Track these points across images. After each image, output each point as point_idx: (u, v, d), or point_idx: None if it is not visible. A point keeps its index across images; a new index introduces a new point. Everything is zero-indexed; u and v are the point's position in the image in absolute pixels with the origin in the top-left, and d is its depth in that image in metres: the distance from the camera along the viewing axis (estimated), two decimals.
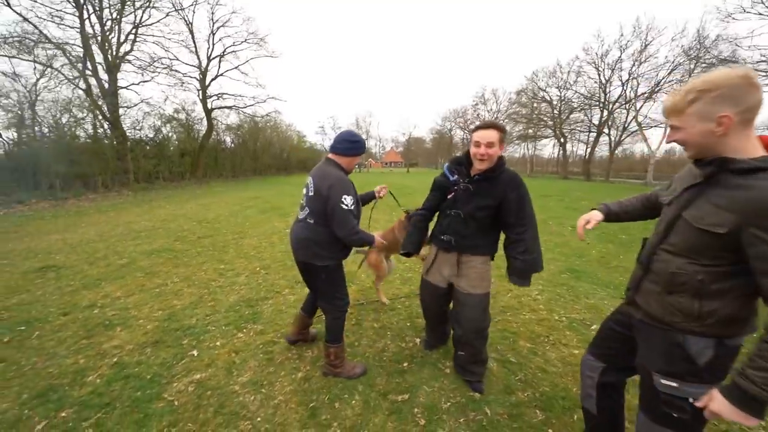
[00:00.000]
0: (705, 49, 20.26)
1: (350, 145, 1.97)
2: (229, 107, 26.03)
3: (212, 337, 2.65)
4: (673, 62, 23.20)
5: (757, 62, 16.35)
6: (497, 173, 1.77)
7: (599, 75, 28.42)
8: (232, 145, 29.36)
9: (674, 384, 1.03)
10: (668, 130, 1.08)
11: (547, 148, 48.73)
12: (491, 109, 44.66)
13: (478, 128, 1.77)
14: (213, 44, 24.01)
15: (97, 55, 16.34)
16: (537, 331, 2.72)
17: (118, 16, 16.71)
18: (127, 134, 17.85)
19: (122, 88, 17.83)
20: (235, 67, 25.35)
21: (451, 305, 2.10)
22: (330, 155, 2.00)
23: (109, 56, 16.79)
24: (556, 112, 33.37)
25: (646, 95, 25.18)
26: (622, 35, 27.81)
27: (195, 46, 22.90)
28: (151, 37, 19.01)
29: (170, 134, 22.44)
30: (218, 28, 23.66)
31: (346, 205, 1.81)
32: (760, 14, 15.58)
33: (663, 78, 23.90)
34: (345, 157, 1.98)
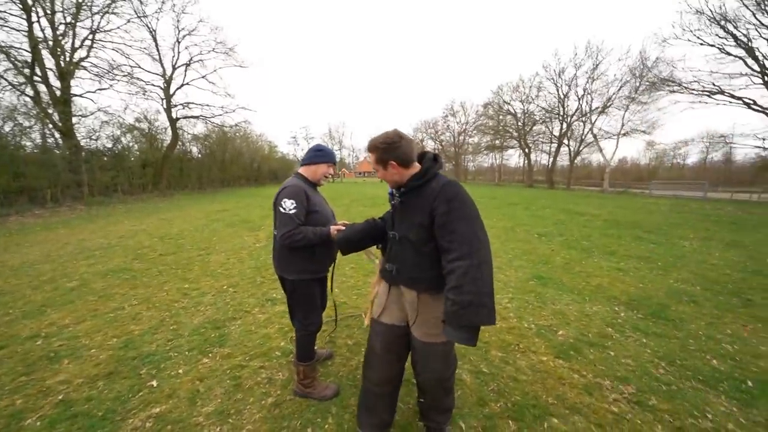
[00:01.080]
0: (647, 68, 22.32)
1: (313, 153, 2.02)
2: (196, 117, 25.04)
3: (174, 364, 2.48)
4: (621, 80, 25.36)
5: (690, 82, 18.24)
6: (422, 182, 1.43)
7: (558, 90, 30.46)
8: (199, 155, 28.20)
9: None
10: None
11: (513, 158, 51.09)
12: (460, 121, 46.25)
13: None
14: (178, 53, 23.14)
15: (47, 60, 15.20)
16: (507, 339, 2.79)
17: (73, 21, 15.72)
18: (82, 144, 16.65)
19: (76, 95, 16.65)
20: (202, 77, 24.53)
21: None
22: (300, 169, 2.07)
23: (62, 62, 15.68)
24: (520, 124, 35.14)
25: (599, 109, 27.24)
26: (576, 54, 30.07)
27: (159, 54, 21.96)
28: (110, 44, 17.99)
29: (131, 144, 21.22)
30: (184, 37, 22.89)
31: (284, 209, 1.79)
32: (689, 41, 17.48)
33: (613, 94, 26.04)
34: (309, 166, 2.01)
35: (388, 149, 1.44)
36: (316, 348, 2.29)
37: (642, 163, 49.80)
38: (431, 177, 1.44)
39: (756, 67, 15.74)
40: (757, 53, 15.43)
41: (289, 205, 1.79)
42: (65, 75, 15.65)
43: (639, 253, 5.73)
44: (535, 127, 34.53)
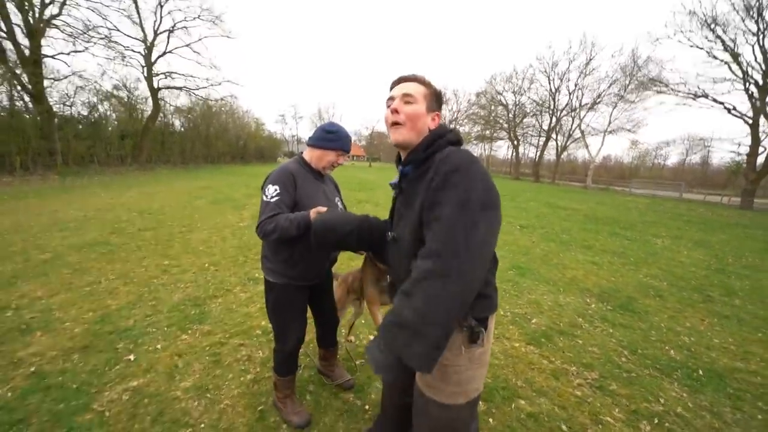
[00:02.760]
0: (638, 67, 22.62)
1: (322, 134, 1.61)
2: (179, 88, 23.92)
3: (152, 339, 2.47)
4: (612, 77, 25.64)
5: (677, 83, 18.65)
6: (426, 153, 1.00)
7: (550, 83, 30.59)
8: (182, 128, 27.14)
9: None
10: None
11: (502, 150, 51.41)
12: (452, 109, 45.98)
13: (393, 83, 1.11)
14: (161, 17, 21.81)
15: (14, 15, 14.11)
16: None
17: None
18: (55, 110, 15.73)
19: (48, 56, 15.58)
20: (187, 45, 23.34)
21: None
22: (305, 150, 1.71)
23: (31, 18, 14.56)
24: (511, 115, 35.28)
25: (589, 105, 27.58)
26: (570, 48, 30.23)
27: (140, 18, 20.63)
28: (86, 1, 16.82)
29: (108, 113, 20.20)
30: (167, 0, 21.59)
31: (266, 196, 1.51)
32: (680, 42, 17.76)
33: (603, 90, 26.34)
34: (315, 149, 1.63)
35: (442, 101, 1.12)
36: (339, 369, 2.10)
37: (625, 162, 51.26)
38: (438, 148, 0.99)
39: (739, 73, 16.22)
40: (741, 59, 15.88)
41: (271, 191, 1.50)
42: (35, 33, 14.55)
43: (614, 248, 5.97)
44: (525, 120, 34.77)
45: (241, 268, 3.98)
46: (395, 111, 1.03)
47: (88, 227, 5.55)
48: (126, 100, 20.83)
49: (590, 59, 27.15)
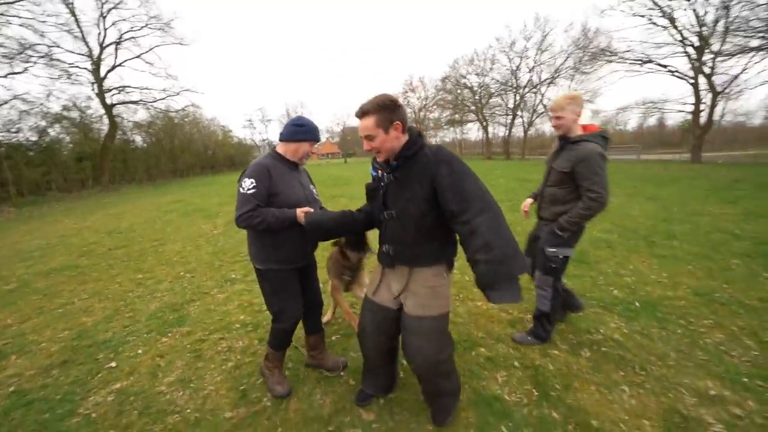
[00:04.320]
0: (589, 40, 23.54)
1: (294, 129, 1.74)
2: (135, 102, 22.93)
3: (132, 347, 2.54)
4: (567, 51, 26.56)
5: (625, 51, 19.61)
6: (411, 152, 1.36)
7: (510, 62, 31.25)
8: (144, 144, 26.05)
9: (553, 250, 1.92)
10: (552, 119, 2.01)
11: (473, 132, 52.18)
12: (420, 96, 46.23)
13: (357, 117, 1.39)
14: (105, 29, 20.71)
15: None
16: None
17: None
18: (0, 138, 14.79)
19: None
20: (137, 56, 22.34)
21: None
22: (277, 146, 1.82)
23: None
24: (477, 97, 35.88)
25: (549, 80, 28.51)
26: (525, 26, 30.92)
27: (81, 32, 19.51)
28: (17, 19, 15.74)
29: (61, 136, 19.12)
30: (109, 11, 20.44)
31: (243, 188, 1.62)
32: (623, 12, 18.65)
33: (560, 65, 27.27)
34: (290, 143, 1.76)
35: (393, 109, 1.33)
36: (329, 355, 2.19)
37: None
38: (421, 145, 1.37)
39: (678, 37, 17.24)
40: (678, 24, 16.86)
41: (248, 184, 1.62)
42: None
43: None
44: (491, 100, 35.40)
45: (218, 272, 4.04)
46: (368, 148, 1.40)
47: (53, 254, 5.40)
48: (79, 120, 19.77)
49: (545, 35, 28.01)
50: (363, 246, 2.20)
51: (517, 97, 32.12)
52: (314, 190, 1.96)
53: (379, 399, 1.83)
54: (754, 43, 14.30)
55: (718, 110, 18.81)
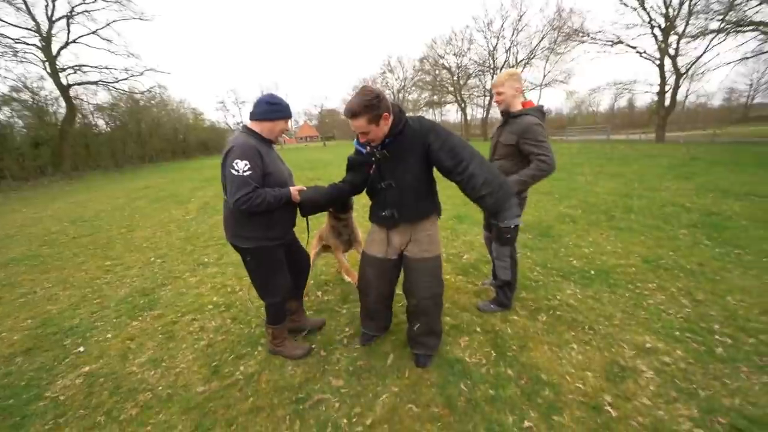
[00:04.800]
0: (563, 20, 23.73)
1: (268, 107, 1.71)
2: (94, 83, 21.31)
3: (101, 332, 2.51)
4: (542, 31, 26.70)
5: (597, 32, 19.98)
6: (398, 128, 1.56)
7: (487, 42, 31.15)
8: (108, 128, 24.50)
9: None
10: (494, 96, 2.15)
11: (451, 114, 52.27)
12: (398, 77, 45.57)
13: (348, 118, 1.55)
14: (53, 1, 18.90)
15: None
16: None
17: None
18: None
19: None
20: (93, 32, 20.58)
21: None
22: (249, 123, 1.77)
23: None
24: (455, 78, 35.72)
25: (525, 61, 28.68)
26: (502, 5, 30.72)
27: (26, 3, 17.73)
28: None
29: (12, 120, 17.66)
30: None
31: (237, 170, 1.57)
32: None
33: (536, 45, 27.44)
34: (264, 122, 1.73)
35: (380, 104, 1.47)
36: (309, 316, 2.38)
37: (565, 113, 54.60)
38: (405, 120, 1.58)
39: (646, 18, 17.67)
40: (646, 4, 17.26)
41: (242, 166, 1.57)
42: None
43: (544, 189, 6.61)
44: (469, 81, 35.37)
45: (190, 256, 3.98)
46: (364, 141, 1.60)
47: (10, 245, 5.12)
48: (31, 102, 18.27)
49: (521, 15, 27.99)
50: (349, 205, 2.51)
51: (495, 78, 32.24)
52: (287, 166, 2.01)
53: (348, 366, 1.93)
54: (713, 25, 14.89)
55: (681, 91, 19.80)
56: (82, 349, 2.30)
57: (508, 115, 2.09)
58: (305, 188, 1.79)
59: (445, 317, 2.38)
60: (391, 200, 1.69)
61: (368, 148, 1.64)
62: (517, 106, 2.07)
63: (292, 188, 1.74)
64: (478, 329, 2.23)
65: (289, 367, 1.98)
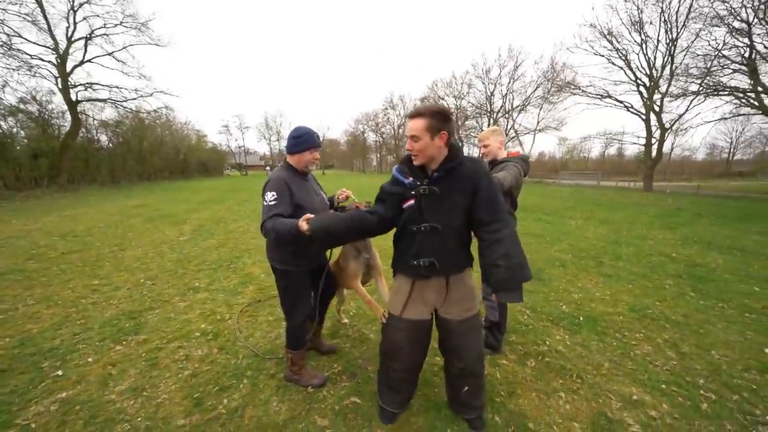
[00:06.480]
0: (556, 73, 25.45)
1: (294, 141, 1.87)
2: (103, 100, 21.82)
3: (82, 355, 2.44)
4: (536, 81, 28.51)
5: (587, 86, 21.39)
6: (456, 163, 1.43)
7: (485, 88, 33.02)
8: (110, 144, 24.76)
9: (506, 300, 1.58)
10: (482, 149, 2.33)
11: None
12: (399, 114, 47.49)
13: (408, 116, 1.46)
14: (74, 23, 19.77)
15: None
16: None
17: None
18: None
19: None
20: (109, 54, 21.45)
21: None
22: (287, 158, 1.95)
23: None
24: (453, 119, 37.39)
25: (520, 107, 30.31)
26: (500, 56, 32.95)
27: (48, 24, 18.56)
28: None
29: (15, 130, 17.82)
30: (81, 5, 19.66)
31: (265, 201, 1.75)
32: (586, 50, 20.49)
33: (530, 94, 29.16)
34: (293, 155, 1.89)
35: (446, 118, 1.40)
36: (325, 342, 2.50)
37: (557, 157, 56.90)
38: (462, 159, 1.44)
39: (632, 77, 19.09)
40: (632, 65, 18.74)
41: (269, 197, 1.74)
42: None
43: (535, 231, 6.79)
44: (467, 122, 37.03)
45: (180, 280, 3.94)
46: (411, 151, 1.45)
47: None
48: (37, 115, 18.57)
49: (517, 65, 29.99)
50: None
51: (491, 121, 33.77)
52: (323, 193, 2.11)
53: (334, 405, 1.90)
54: (693, 87, 16.08)
55: (667, 144, 20.82)
56: (60, 372, 2.22)
57: (494, 164, 2.28)
58: (313, 216, 1.58)
59: (435, 357, 2.37)
60: (429, 246, 1.48)
61: (410, 179, 1.48)
62: (502, 155, 2.27)
63: (300, 220, 1.58)
64: None
65: (274, 403, 1.93)
